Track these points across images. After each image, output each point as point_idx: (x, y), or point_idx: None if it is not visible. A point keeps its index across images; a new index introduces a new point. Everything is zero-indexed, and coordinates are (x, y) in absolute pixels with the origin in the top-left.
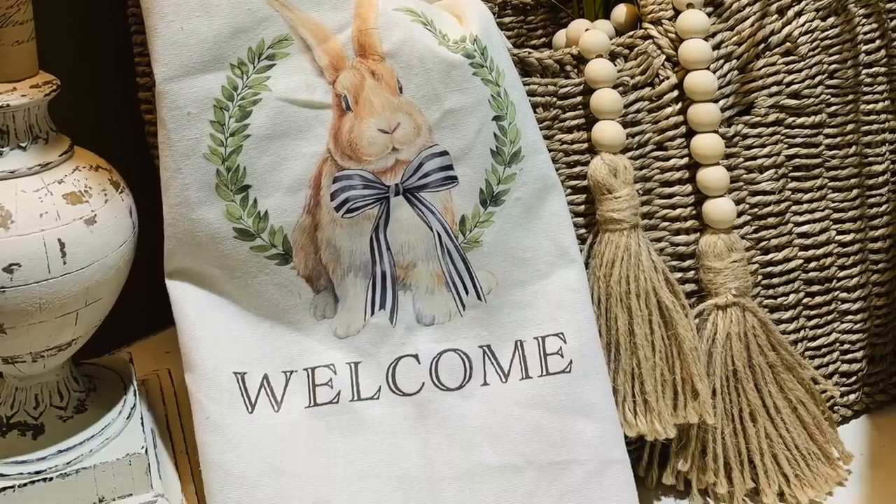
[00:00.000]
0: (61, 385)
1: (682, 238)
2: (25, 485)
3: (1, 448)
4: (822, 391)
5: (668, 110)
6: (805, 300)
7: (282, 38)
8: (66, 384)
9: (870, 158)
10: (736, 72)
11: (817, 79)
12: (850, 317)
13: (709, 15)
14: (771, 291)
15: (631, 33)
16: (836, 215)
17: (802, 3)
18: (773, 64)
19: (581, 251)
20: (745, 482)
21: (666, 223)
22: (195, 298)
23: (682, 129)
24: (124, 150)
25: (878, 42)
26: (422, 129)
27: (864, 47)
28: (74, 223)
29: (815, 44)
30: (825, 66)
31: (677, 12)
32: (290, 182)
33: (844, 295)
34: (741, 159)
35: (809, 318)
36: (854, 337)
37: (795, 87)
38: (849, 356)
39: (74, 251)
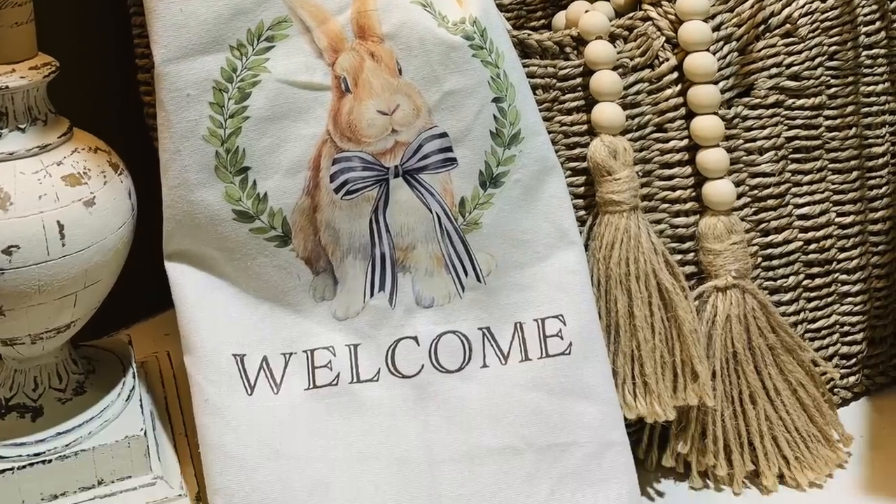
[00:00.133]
0: (60, 367)
1: (681, 220)
2: (24, 467)
3: (0, 430)
4: (822, 373)
5: (668, 92)
6: (805, 282)
7: (281, 20)
8: (65, 366)
9: (870, 140)
10: (736, 53)
11: (817, 60)
12: (849, 299)
13: None
14: (771, 273)
15: (630, 15)
16: (835, 197)
17: None
18: (773, 45)
19: (581, 233)
20: (744, 464)
21: (666, 205)
22: (194, 280)
23: (682, 110)
24: (123, 131)
25: (878, 24)
26: (421, 110)
27: (864, 29)
28: (73, 205)
29: (814, 25)
30: (825, 47)
31: None
32: (290, 164)
33: (844, 277)
34: (741, 141)
35: (809, 300)
36: (854, 319)
37: (795, 68)
38: (849, 338)
39: (73, 233)
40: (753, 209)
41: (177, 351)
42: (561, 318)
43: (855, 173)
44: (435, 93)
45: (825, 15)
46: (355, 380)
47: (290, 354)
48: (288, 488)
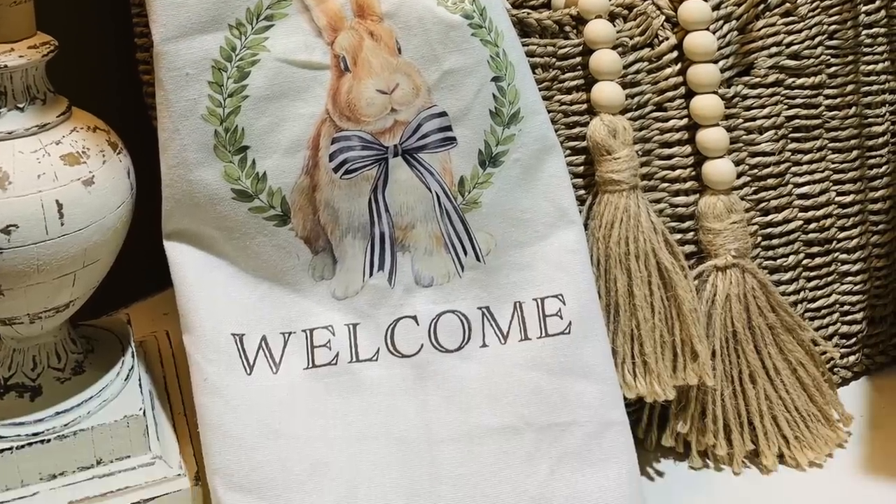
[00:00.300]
0: (59, 347)
1: (681, 199)
2: (23, 446)
3: None
4: (822, 353)
5: (668, 71)
6: (805, 261)
7: None
8: (64, 346)
9: (870, 119)
10: (735, 32)
11: (817, 39)
12: (849, 278)
13: None
14: (770, 253)
15: None
16: (835, 176)
17: None
18: (773, 24)
19: (580, 212)
20: (744, 444)
21: (665, 184)
22: (193, 260)
23: (682, 89)
24: (122, 110)
25: (878, 2)
26: (420, 89)
27: (864, 8)
28: (72, 184)
29: (814, 4)
30: (825, 26)
31: None
32: (289, 143)
33: (844, 256)
34: (741, 120)
35: (809, 279)
36: (854, 298)
37: (795, 47)
38: (849, 318)
39: (72, 212)
40: (753, 188)
41: (176, 330)
42: (560, 297)
43: (855, 152)
44: (434, 72)
45: None
46: (354, 359)
47: (290, 334)
48: (287, 468)
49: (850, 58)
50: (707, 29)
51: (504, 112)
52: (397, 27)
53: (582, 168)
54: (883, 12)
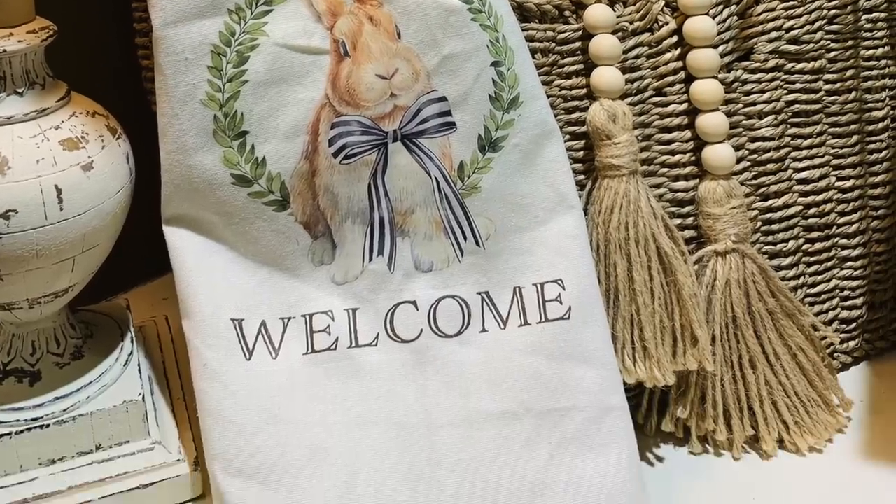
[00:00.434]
0: (58, 332)
1: (681, 184)
2: (22, 432)
3: None
4: (822, 338)
5: (668, 56)
6: (805, 246)
7: None
8: (63, 331)
9: (870, 104)
10: (735, 17)
11: (817, 24)
12: (849, 263)
13: None
14: (770, 238)
15: None
16: (835, 161)
17: None
18: (773, 9)
19: (580, 197)
20: (744, 429)
21: (665, 169)
22: (192, 245)
23: (682, 74)
24: (121, 95)
25: None
26: (420, 74)
27: None
28: (71, 169)
29: None
30: (825, 11)
31: None
32: (288, 128)
33: (844, 241)
34: (740, 105)
35: (809, 264)
36: (854, 283)
37: (795, 32)
38: (849, 303)
39: (71, 197)
40: (753, 173)
41: (175, 315)
42: (560, 282)
43: (855, 137)
44: (434, 57)
45: None
46: (354, 344)
47: (289, 319)
48: (286, 453)
49: (850, 42)
50: (707, 13)
51: (504, 97)
52: (397, 12)
53: (581, 153)
54: None
